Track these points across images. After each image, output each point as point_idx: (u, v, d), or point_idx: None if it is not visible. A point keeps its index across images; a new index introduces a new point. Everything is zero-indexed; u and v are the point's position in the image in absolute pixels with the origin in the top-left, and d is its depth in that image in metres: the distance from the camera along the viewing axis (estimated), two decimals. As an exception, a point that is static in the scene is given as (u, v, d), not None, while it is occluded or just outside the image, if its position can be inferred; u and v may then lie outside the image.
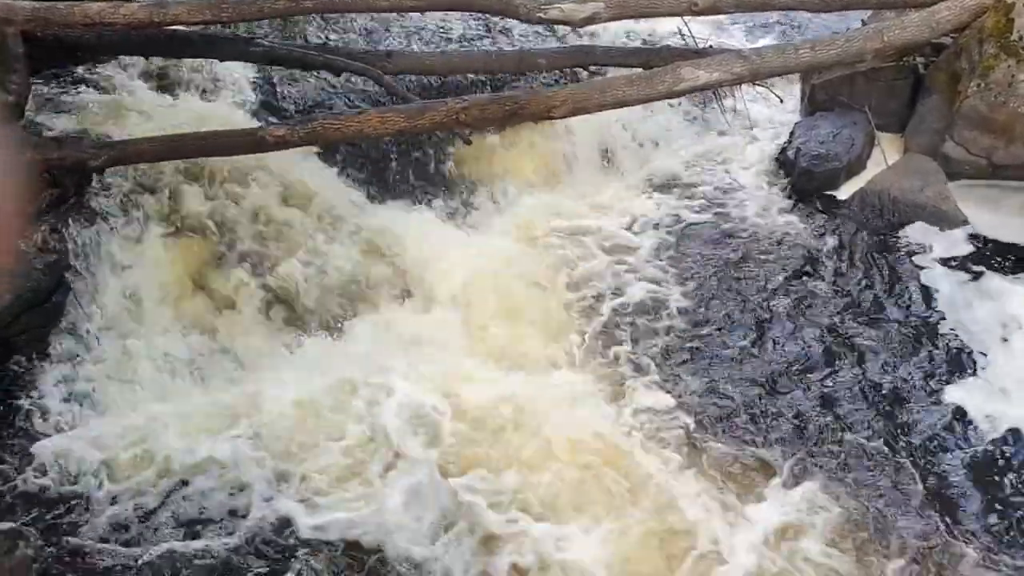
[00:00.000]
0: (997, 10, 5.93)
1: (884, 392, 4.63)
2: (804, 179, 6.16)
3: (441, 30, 7.61)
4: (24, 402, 4.33)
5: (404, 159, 6.59)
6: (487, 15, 7.36)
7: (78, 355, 4.59)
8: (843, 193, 6.11)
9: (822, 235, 5.75)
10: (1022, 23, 5.75)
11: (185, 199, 5.40)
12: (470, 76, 6.99)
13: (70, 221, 5.17)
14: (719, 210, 6.04)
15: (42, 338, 4.81)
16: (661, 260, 5.67)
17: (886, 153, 6.24)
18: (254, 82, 6.70)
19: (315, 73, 6.74)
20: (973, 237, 5.63)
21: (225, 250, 5.35)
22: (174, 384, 4.63)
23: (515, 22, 7.29)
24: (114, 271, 4.94)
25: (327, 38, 7.36)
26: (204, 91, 6.63)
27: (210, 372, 4.76)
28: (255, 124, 6.09)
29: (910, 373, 4.74)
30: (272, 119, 6.34)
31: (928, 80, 6.45)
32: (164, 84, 6.67)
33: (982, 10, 6.15)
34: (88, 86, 6.47)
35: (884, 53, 6.25)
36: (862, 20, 7.20)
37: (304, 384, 4.59)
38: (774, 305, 5.25)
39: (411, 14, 7.60)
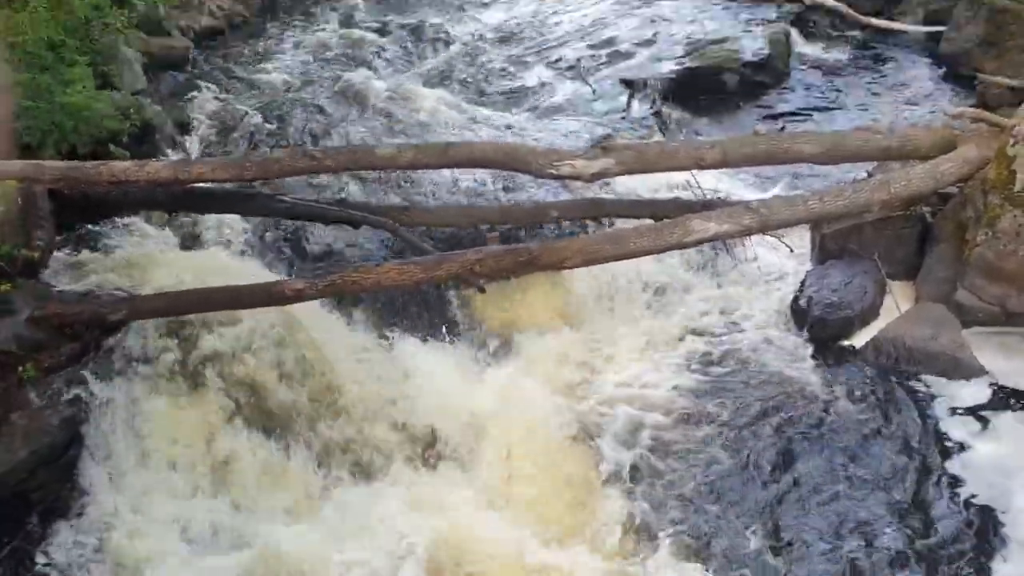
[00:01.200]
0: (999, 162, 6.07)
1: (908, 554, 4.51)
2: (818, 328, 6.17)
3: (457, 183, 7.83)
4: (40, 560, 4.26)
5: (418, 303, 6.67)
6: (501, 170, 7.55)
7: (92, 513, 4.53)
8: (858, 341, 6.10)
9: (838, 385, 5.71)
10: (1025, 175, 5.87)
11: (199, 355, 5.43)
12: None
13: (87, 375, 5.20)
14: (734, 361, 6.03)
15: (57, 493, 4.78)
16: (675, 414, 5.64)
17: (898, 301, 6.27)
18: (273, 236, 6.87)
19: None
20: (991, 386, 5.58)
21: (238, 410, 5.36)
22: (187, 546, 4.55)
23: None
24: (128, 427, 4.93)
25: (344, 192, 7.58)
26: (225, 244, 6.79)
27: (222, 534, 4.69)
28: (273, 277, 6.20)
29: (930, 533, 4.63)
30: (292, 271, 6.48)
31: (936, 229, 6.54)
32: (186, 238, 6.85)
33: (984, 162, 6.30)
34: (111, 240, 6.64)
35: (891, 204, 6.38)
36: (867, 172, 7.38)
37: (320, 548, 4.51)
38: (794, 462, 5.20)
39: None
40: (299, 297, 5.58)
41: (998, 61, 9.79)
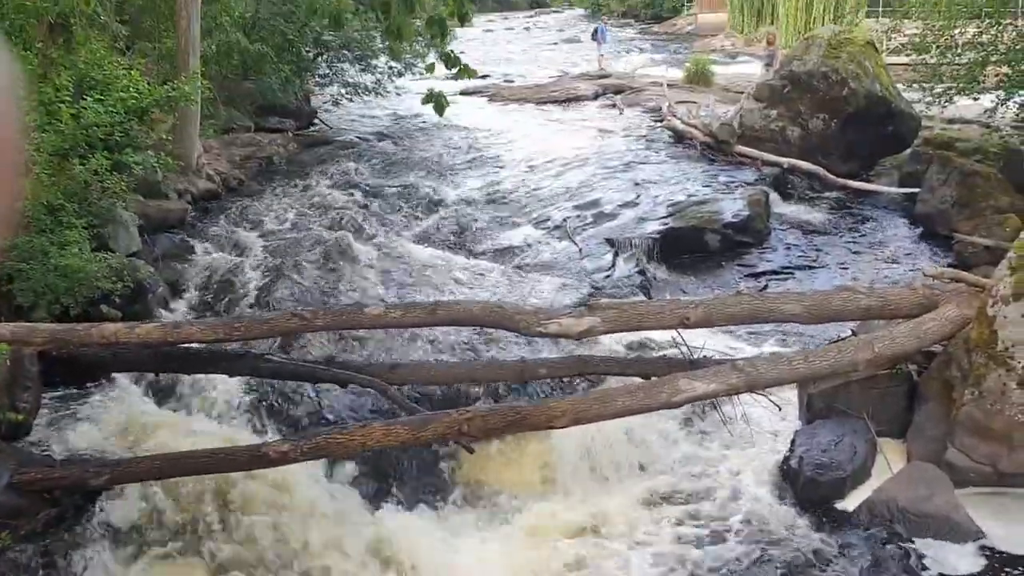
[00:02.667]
0: (980, 322, 6.16)
1: None
2: (809, 489, 6.08)
3: (444, 341, 7.87)
4: None
5: (405, 462, 6.56)
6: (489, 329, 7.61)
7: None
8: (850, 503, 6.01)
9: (832, 550, 5.56)
10: (1006, 334, 5.94)
11: (182, 521, 5.31)
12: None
13: (63, 542, 5.06)
14: (724, 525, 5.90)
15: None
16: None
17: (890, 460, 6.22)
18: (260, 396, 6.84)
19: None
20: (988, 550, 5.46)
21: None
22: None
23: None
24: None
25: (340, 347, 7.61)
26: (211, 405, 6.75)
27: None
28: (258, 439, 6.14)
29: None
30: (275, 433, 6.41)
31: (923, 387, 6.57)
32: (172, 399, 6.81)
33: (965, 322, 6.40)
34: (97, 401, 6.60)
35: (876, 363, 6.43)
36: (851, 330, 7.47)
37: None
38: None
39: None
40: (284, 460, 5.51)
41: (973, 221, 10.11)
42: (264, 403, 6.84)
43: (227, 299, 8.70)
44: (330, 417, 6.81)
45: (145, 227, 9.31)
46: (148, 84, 9.13)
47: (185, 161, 10.93)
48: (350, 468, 6.38)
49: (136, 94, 8.60)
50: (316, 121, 17.65)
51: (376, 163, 14.51)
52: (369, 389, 6.80)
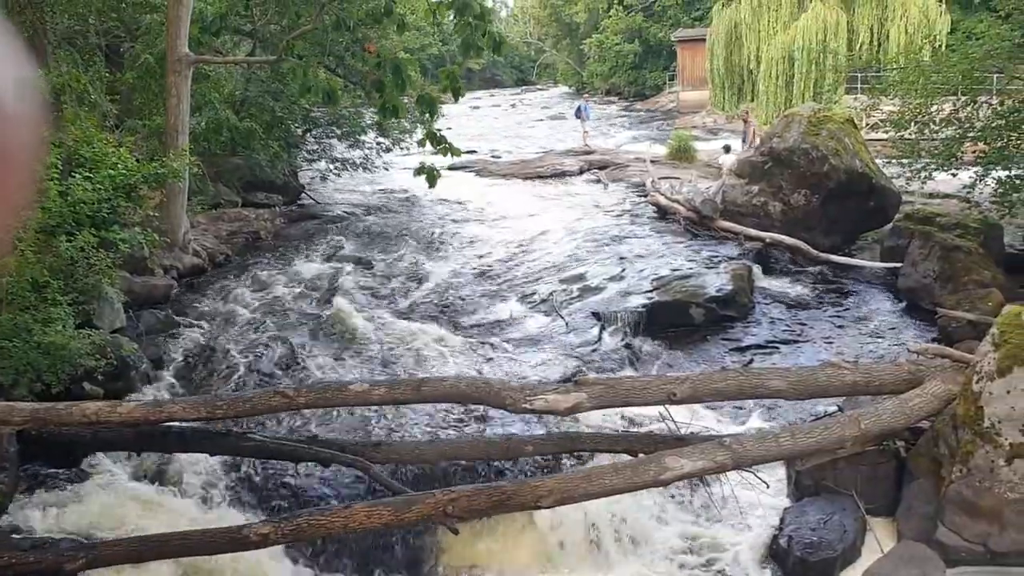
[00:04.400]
0: (965, 398, 6.17)
1: None
2: (799, 569, 6.00)
3: (430, 417, 7.81)
4: None
5: (387, 549, 6.44)
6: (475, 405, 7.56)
7: None
8: (842, 583, 5.93)
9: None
10: (991, 411, 5.94)
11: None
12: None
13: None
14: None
15: None
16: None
17: (880, 539, 6.15)
18: (242, 476, 6.74)
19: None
20: (983, 632, 5.38)
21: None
22: None
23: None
24: None
25: (324, 425, 7.54)
26: (191, 486, 6.64)
27: None
28: (239, 520, 6.03)
29: None
30: (257, 514, 6.29)
31: (911, 464, 6.54)
32: (152, 479, 6.70)
33: (951, 398, 6.40)
34: (75, 481, 6.49)
35: (863, 439, 6.41)
36: (837, 405, 7.46)
37: None
38: None
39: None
40: (265, 542, 5.42)
41: (955, 296, 10.20)
42: (246, 483, 6.74)
43: (211, 376, 8.63)
44: (312, 497, 6.70)
45: (130, 303, 9.28)
46: (136, 161, 9.20)
47: (172, 237, 10.97)
48: (331, 549, 6.26)
49: (124, 171, 8.66)
50: (304, 196, 17.79)
51: (363, 237, 14.59)
52: (352, 468, 6.72)
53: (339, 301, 11.13)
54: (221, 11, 11.16)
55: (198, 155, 12.29)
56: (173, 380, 8.55)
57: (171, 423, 6.33)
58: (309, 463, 6.74)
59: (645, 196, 16.39)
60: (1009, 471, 5.78)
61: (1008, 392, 5.92)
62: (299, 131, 17.14)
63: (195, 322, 9.91)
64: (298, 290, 11.53)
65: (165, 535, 5.51)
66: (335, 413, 7.78)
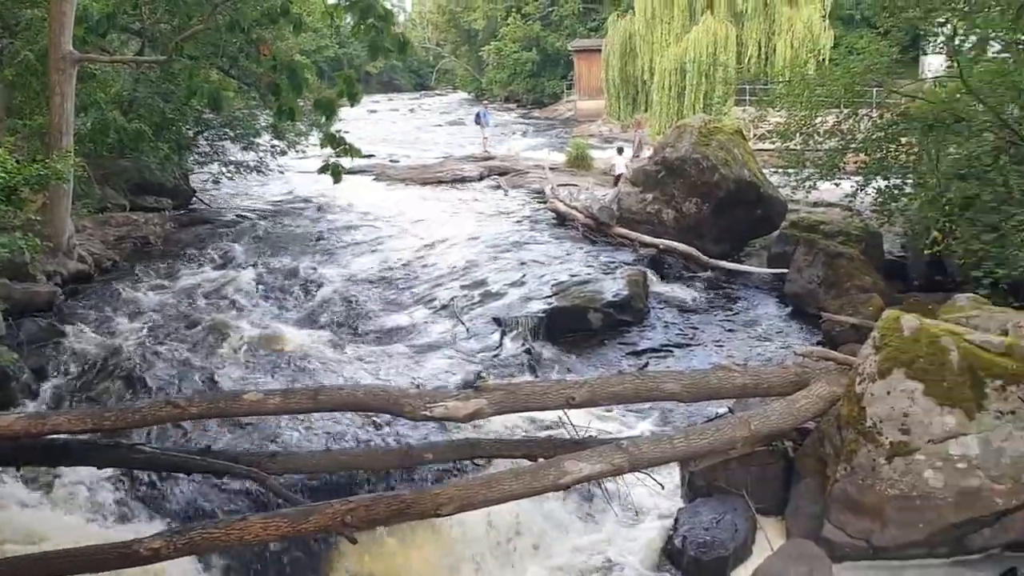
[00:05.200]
0: (849, 399, 6.43)
1: None
2: (693, 569, 6.14)
3: (328, 427, 7.69)
4: None
5: (287, 557, 6.31)
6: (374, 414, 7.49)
7: None
8: (734, 580, 6.10)
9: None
10: (873, 411, 6.21)
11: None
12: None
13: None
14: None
15: None
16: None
17: (770, 538, 6.35)
18: (132, 489, 6.50)
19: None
20: (866, 623, 5.62)
21: None
22: None
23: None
24: None
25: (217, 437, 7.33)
26: (79, 500, 6.38)
27: None
28: (129, 535, 5.81)
29: None
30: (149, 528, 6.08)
31: (798, 464, 6.77)
32: (36, 493, 6.41)
33: (835, 399, 6.67)
34: (-51, 500, 6.14)
35: (753, 440, 6.62)
36: (728, 407, 7.68)
37: None
38: None
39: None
40: (156, 557, 5.22)
41: (839, 300, 10.65)
42: (136, 496, 6.50)
43: (98, 386, 8.30)
44: (206, 509, 6.51)
45: (10, 311, 8.86)
46: (17, 162, 8.78)
47: (55, 241, 10.52)
48: (225, 563, 6.08)
49: (4, 173, 8.24)
50: (195, 200, 17.30)
51: (257, 243, 14.28)
52: (248, 479, 6.56)
53: (232, 309, 10.88)
54: (108, 10, 10.76)
55: (84, 157, 11.82)
56: (57, 392, 8.18)
57: (56, 435, 6.06)
58: (203, 475, 6.55)
59: (544, 203, 16.56)
60: (890, 469, 6.05)
61: (888, 393, 6.20)
62: (191, 133, 16.65)
63: (81, 331, 9.51)
64: (189, 297, 11.20)
65: (50, 553, 5.27)
66: (230, 424, 7.59)
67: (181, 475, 6.66)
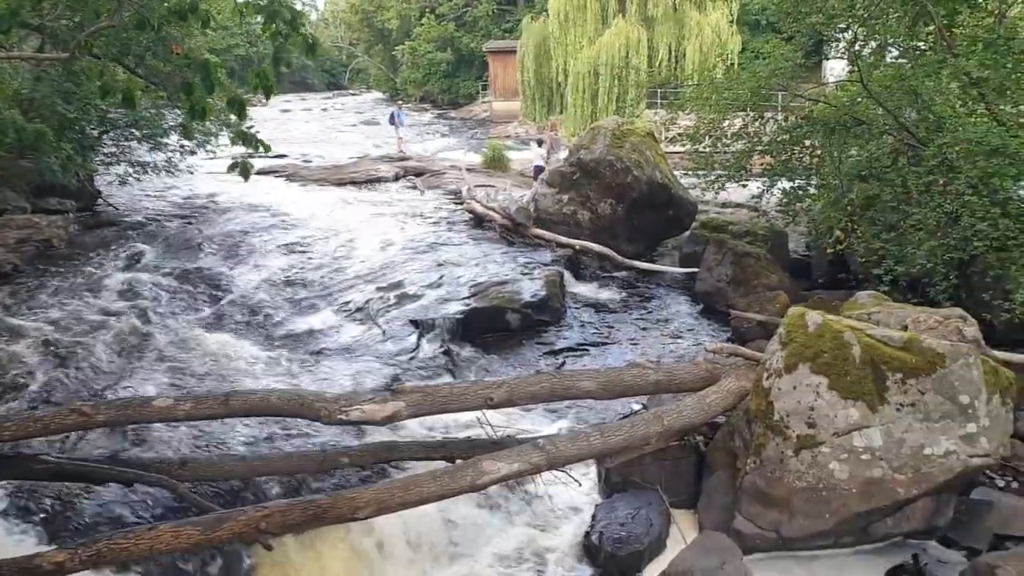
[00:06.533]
0: (757, 394, 6.62)
1: None
2: (610, 564, 6.23)
3: (241, 434, 7.55)
4: None
5: (203, 564, 6.16)
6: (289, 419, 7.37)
7: None
8: (649, 574, 6.19)
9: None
10: (780, 405, 6.41)
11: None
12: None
13: None
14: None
15: None
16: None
17: (683, 531, 6.49)
18: (33, 500, 6.26)
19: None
20: (775, 613, 5.78)
21: None
22: None
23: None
24: None
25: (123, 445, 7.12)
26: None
27: None
28: (29, 549, 5.60)
29: None
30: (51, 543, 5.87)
31: (709, 458, 6.95)
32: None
33: (744, 393, 6.86)
34: None
35: (666, 435, 6.76)
36: (642, 404, 7.81)
37: None
38: None
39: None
40: (60, 571, 5.06)
41: (747, 298, 10.93)
42: (38, 508, 6.26)
43: (-3, 395, 7.99)
44: (115, 521, 6.31)
45: (-102, 317, 8.45)
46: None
47: (-51, 245, 10.07)
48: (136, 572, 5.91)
49: None
50: (101, 202, 16.76)
51: (166, 245, 13.92)
52: (158, 487, 6.39)
53: (139, 313, 10.58)
54: (11, 6, 10.32)
55: (-21, 157, 11.34)
56: (-49, 401, 7.84)
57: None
58: (111, 484, 6.35)
59: (461, 203, 16.56)
60: (797, 461, 6.25)
61: (795, 387, 6.40)
62: (95, 133, 16.10)
63: (-24, 337, 9.15)
64: (95, 301, 10.86)
65: (-57, 571, 5.05)
66: (140, 434, 7.37)
67: (88, 485, 6.45)
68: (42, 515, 6.15)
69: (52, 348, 9.05)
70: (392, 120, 26.99)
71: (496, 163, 22.48)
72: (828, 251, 10.86)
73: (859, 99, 11.25)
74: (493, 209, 14.94)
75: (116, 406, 6.46)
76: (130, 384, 8.50)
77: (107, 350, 9.22)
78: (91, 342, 9.36)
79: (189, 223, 15.73)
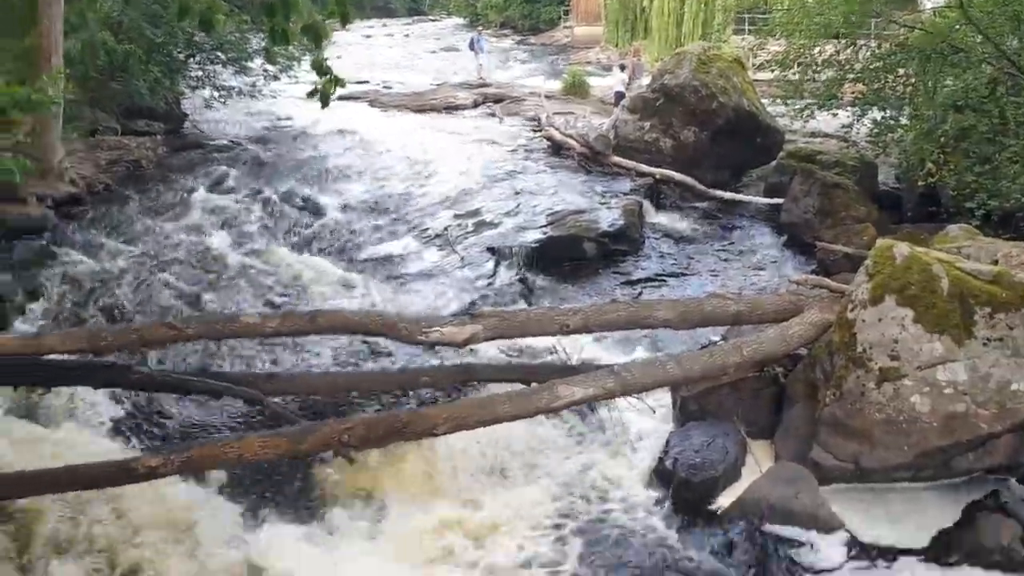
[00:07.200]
0: (840, 326, 6.49)
1: None
2: (683, 489, 6.25)
3: (324, 352, 7.75)
4: None
5: (283, 472, 6.40)
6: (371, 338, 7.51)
7: None
8: (722, 502, 6.20)
9: (704, 549, 5.74)
10: (864, 337, 6.28)
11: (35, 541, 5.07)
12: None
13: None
14: (603, 527, 5.99)
15: None
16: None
17: (759, 461, 6.47)
18: (129, 408, 6.57)
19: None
20: (850, 542, 5.73)
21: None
22: None
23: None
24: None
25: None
26: (76, 419, 6.44)
27: None
28: (127, 453, 5.90)
29: None
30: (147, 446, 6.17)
31: (789, 389, 6.86)
32: (34, 413, 6.47)
33: (827, 326, 6.73)
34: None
35: (745, 366, 6.70)
36: (721, 335, 7.74)
37: None
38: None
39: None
40: (154, 474, 5.31)
41: (833, 230, 10.68)
42: (133, 416, 6.58)
43: (93, 308, 8.30)
44: (204, 430, 6.59)
45: (1, 233, 8.81)
46: (5, 84, 8.64)
47: (46, 164, 10.41)
48: (222, 481, 6.17)
49: (-9, 94, 8.12)
50: (187, 124, 17.08)
51: (251, 168, 14.15)
52: (245, 400, 6.63)
53: (225, 233, 10.85)
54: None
55: (74, 79, 11.63)
56: (51, 313, 8.18)
57: (51, 356, 6.10)
58: (200, 396, 6.60)
59: (540, 131, 16.40)
60: (878, 393, 6.14)
61: (879, 320, 6.26)
62: (182, 56, 16.35)
63: (73, 253, 9.48)
64: (182, 222, 11.15)
65: (50, 470, 5.34)
66: (225, 350, 7.63)
67: (179, 396, 6.72)
68: (137, 422, 6.45)
69: (143, 265, 9.37)
70: (472, 46, 26.70)
71: (576, 90, 22.14)
72: (919, 184, 10.50)
73: (958, 26, 10.73)
74: (572, 137, 14.76)
75: (205, 321, 6.70)
76: (216, 302, 8.77)
77: (194, 269, 9.50)
78: (179, 260, 9.66)
79: (272, 147, 15.94)
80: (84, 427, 6.41)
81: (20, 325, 7.68)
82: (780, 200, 12.01)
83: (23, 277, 8.45)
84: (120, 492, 5.51)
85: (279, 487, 6.31)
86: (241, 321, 6.45)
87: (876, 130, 11.97)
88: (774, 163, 13.40)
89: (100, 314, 8.19)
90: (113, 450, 6.10)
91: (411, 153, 15.51)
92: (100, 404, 6.63)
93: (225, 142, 16.16)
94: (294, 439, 5.53)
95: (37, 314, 8.10)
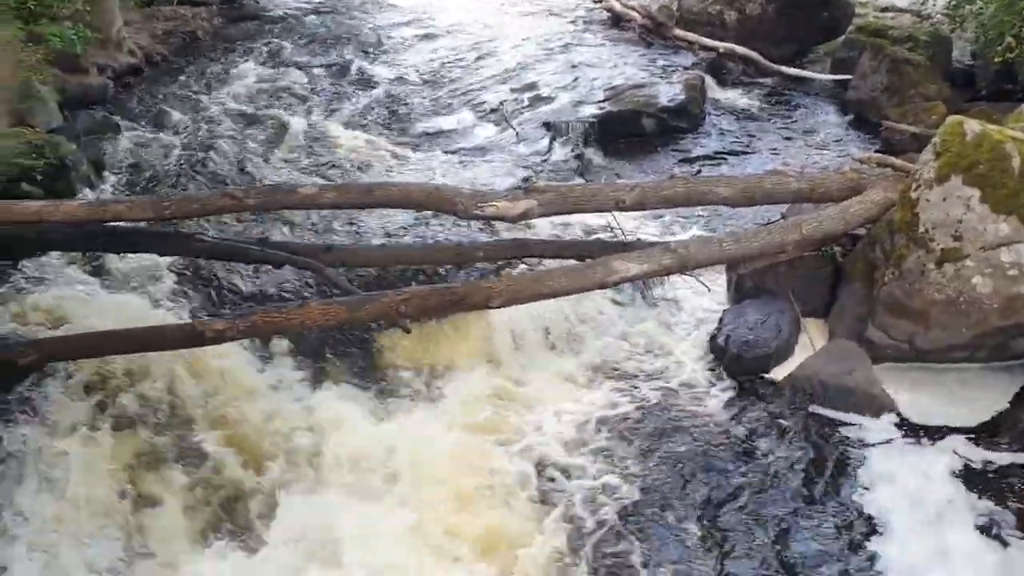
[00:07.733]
0: (903, 205, 6.35)
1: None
2: (735, 365, 6.31)
3: (378, 226, 7.82)
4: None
5: (342, 343, 6.60)
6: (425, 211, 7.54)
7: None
8: (774, 377, 6.26)
9: (756, 421, 5.84)
10: (927, 217, 6.15)
11: (118, 396, 5.31)
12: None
13: (-4, 420, 5.02)
14: (655, 397, 6.11)
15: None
16: (595, 453, 5.70)
17: (812, 338, 6.47)
18: (193, 276, 6.75)
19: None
20: (901, 421, 5.79)
21: (156, 447, 5.25)
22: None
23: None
24: (40, 472, 4.78)
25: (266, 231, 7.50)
26: (142, 285, 6.65)
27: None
28: (189, 318, 6.10)
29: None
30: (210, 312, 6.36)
31: (846, 268, 6.79)
32: (102, 278, 6.68)
33: (889, 205, 6.59)
34: (23, 281, 6.45)
35: (803, 245, 6.62)
36: (781, 214, 7.63)
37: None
38: (712, 498, 5.36)
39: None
40: (220, 338, 5.49)
41: (901, 108, 10.30)
42: (197, 283, 6.76)
43: (154, 178, 8.45)
44: (266, 297, 6.77)
45: (64, 103, 8.91)
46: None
47: (104, 34, 10.39)
48: (284, 348, 6.38)
49: (49, -41, 8.10)
50: (242, -6, 16.87)
51: (307, 40, 13.99)
52: (304, 270, 6.75)
53: (281, 105, 10.84)
54: None
55: (128, -55, 11.50)
56: (115, 182, 8.35)
57: (117, 223, 6.25)
58: (261, 265, 6.75)
59: (600, 2, 15.89)
60: (938, 274, 6.05)
61: (944, 199, 6.11)
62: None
63: (134, 124, 9.58)
64: (240, 93, 11.13)
65: (118, 331, 5.55)
66: (285, 218, 7.74)
67: (240, 264, 6.87)
68: (202, 288, 6.64)
69: (202, 136, 9.44)
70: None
71: (638, -40, 21.29)
72: (996, 60, 9.98)
73: None
74: (633, 8, 14.27)
75: (265, 191, 6.77)
76: (274, 174, 8.84)
77: (252, 140, 9.55)
78: (237, 132, 9.71)
79: (328, 18, 15.68)
80: (150, 293, 6.61)
81: (87, 194, 7.85)
82: (847, 77, 11.58)
83: (87, 147, 8.57)
84: (191, 356, 5.73)
85: (340, 355, 6.51)
86: (300, 192, 6.50)
87: (953, 2, 11.36)
88: (842, 38, 12.85)
89: (161, 184, 8.32)
90: (175, 317, 6.30)
91: (467, 24, 15.16)
92: (162, 271, 6.82)
93: (281, 13, 15.92)
94: (353, 308, 5.65)
95: (102, 184, 8.26)
